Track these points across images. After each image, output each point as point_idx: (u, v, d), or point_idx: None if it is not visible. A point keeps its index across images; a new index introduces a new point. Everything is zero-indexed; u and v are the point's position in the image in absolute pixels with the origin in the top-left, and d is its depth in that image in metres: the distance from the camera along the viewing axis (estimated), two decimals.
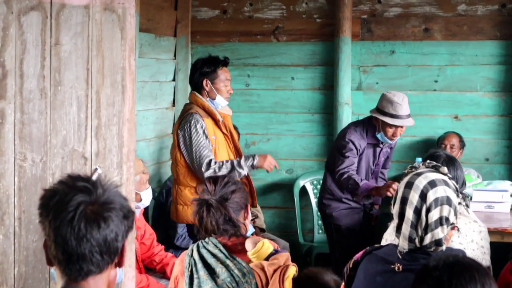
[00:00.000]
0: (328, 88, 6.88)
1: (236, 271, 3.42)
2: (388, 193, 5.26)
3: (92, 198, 2.06)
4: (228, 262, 3.45)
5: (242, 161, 5.10)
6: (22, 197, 3.31)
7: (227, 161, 5.08)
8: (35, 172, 3.35)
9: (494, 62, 6.59)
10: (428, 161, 3.08)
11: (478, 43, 6.62)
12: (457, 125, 6.64)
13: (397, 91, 5.61)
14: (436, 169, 3.01)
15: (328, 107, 6.88)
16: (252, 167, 5.15)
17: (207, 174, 4.92)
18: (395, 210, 2.99)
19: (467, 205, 4.21)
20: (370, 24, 6.82)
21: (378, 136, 5.56)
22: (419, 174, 2.97)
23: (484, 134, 6.65)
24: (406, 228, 2.90)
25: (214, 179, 3.66)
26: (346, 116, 6.71)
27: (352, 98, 6.78)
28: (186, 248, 5.57)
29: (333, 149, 5.76)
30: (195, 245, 3.59)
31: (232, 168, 5.05)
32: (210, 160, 5.00)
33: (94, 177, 2.14)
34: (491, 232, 4.41)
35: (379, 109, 5.49)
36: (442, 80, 6.69)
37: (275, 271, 3.35)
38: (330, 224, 5.78)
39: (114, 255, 2.11)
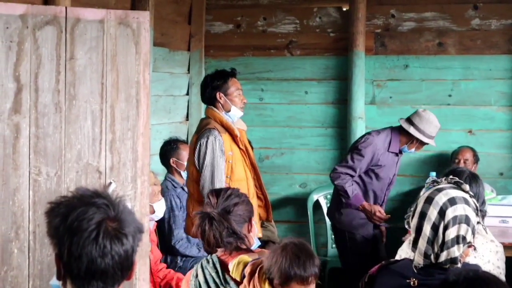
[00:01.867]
0: (342, 102, 6.88)
1: None
2: (374, 221, 5.63)
3: (110, 214, 2.06)
4: None
5: None
6: (36, 211, 3.32)
7: None
8: (49, 186, 3.35)
9: (509, 76, 6.57)
10: (451, 176, 3.03)
11: (492, 57, 6.60)
12: (471, 140, 6.61)
13: (428, 111, 5.71)
14: (458, 185, 2.97)
15: (342, 121, 6.87)
16: None
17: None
18: (412, 224, 2.95)
19: None
20: (384, 38, 6.82)
21: (405, 149, 5.65)
22: (439, 190, 2.93)
23: (498, 148, 6.62)
24: (422, 244, 2.88)
25: (217, 192, 3.59)
26: (360, 130, 6.69)
27: (365, 112, 6.76)
28: (186, 255, 5.60)
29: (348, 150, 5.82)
30: (199, 265, 3.52)
31: None
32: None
33: (109, 191, 2.15)
34: (505, 247, 4.36)
35: (418, 128, 5.58)
36: (456, 94, 6.67)
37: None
38: (344, 233, 5.75)
39: (129, 270, 2.12)
